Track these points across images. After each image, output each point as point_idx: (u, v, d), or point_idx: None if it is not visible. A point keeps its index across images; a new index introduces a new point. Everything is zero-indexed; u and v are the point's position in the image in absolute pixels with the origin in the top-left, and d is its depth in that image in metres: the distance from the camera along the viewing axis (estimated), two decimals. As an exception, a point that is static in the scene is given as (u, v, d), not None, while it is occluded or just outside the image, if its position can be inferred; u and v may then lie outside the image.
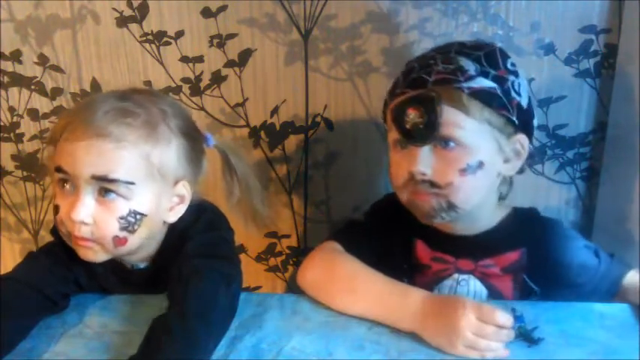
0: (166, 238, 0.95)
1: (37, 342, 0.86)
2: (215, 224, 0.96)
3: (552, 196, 1.32)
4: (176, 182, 0.91)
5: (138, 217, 0.87)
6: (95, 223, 0.85)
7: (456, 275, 0.99)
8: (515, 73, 0.94)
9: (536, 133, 0.99)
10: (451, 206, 0.92)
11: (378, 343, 0.85)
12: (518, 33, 1.22)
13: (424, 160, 0.91)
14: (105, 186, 0.85)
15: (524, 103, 0.94)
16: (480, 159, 0.91)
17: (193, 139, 0.93)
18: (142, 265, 0.97)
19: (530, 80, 1.22)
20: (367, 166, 1.32)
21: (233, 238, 0.98)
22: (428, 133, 0.90)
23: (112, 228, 0.86)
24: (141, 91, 0.95)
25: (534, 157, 1.18)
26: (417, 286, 0.91)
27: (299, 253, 1.40)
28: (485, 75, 0.91)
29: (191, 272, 0.86)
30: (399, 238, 1.02)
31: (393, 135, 0.95)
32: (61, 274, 0.93)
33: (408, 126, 0.91)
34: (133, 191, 0.86)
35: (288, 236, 1.40)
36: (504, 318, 0.82)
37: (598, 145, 1.28)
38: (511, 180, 1.00)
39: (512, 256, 0.97)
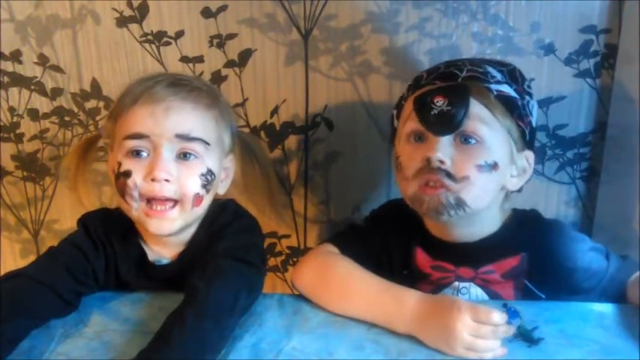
0: (198, 234, 0.96)
1: (37, 342, 0.86)
2: (249, 229, 0.97)
3: (552, 196, 1.32)
4: (227, 154, 0.95)
5: (213, 176, 0.91)
6: (178, 181, 0.88)
7: (456, 283, 0.98)
8: (531, 95, 0.97)
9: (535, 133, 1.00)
10: (460, 203, 0.90)
11: (377, 343, 0.85)
12: (518, 33, 1.21)
13: (444, 149, 0.90)
14: (185, 145, 0.88)
15: (533, 123, 0.96)
16: (495, 160, 0.91)
17: (232, 119, 0.98)
18: (166, 261, 0.97)
19: (531, 80, 1.22)
20: (367, 166, 1.32)
21: (264, 245, 0.99)
22: (454, 122, 0.89)
23: (195, 184, 0.89)
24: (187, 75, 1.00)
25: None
26: None
27: (299, 253, 1.40)
28: (509, 85, 0.93)
29: (216, 272, 0.86)
30: (399, 246, 1.01)
31: (411, 126, 0.93)
32: (81, 268, 0.93)
33: (434, 113, 0.90)
34: (209, 151, 0.90)
35: (288, 236, 1.40)
36: (500, 317, 0.81)
37: (598, 145, 1.27)
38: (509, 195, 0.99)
39: (512, 262, 0.96)
